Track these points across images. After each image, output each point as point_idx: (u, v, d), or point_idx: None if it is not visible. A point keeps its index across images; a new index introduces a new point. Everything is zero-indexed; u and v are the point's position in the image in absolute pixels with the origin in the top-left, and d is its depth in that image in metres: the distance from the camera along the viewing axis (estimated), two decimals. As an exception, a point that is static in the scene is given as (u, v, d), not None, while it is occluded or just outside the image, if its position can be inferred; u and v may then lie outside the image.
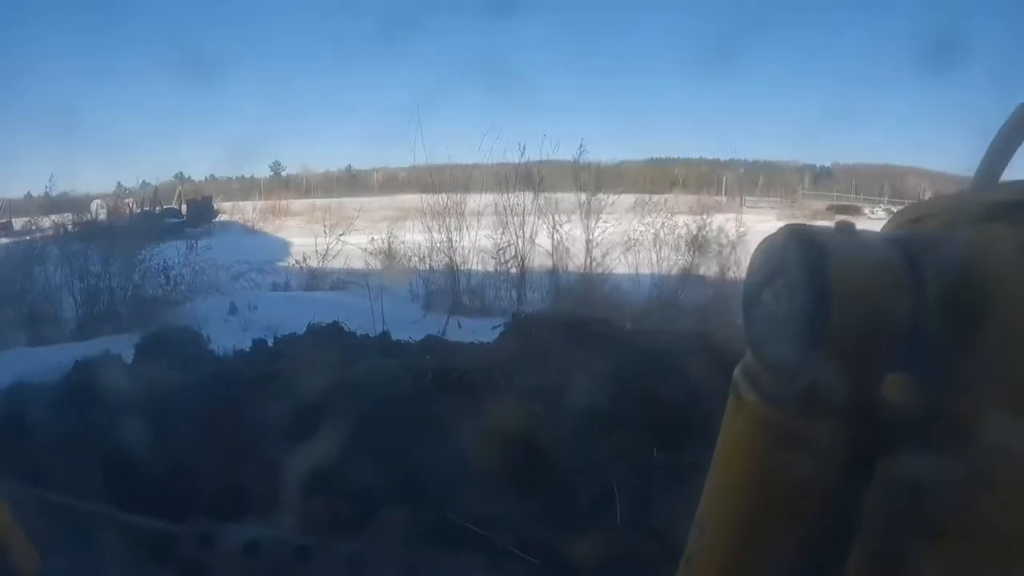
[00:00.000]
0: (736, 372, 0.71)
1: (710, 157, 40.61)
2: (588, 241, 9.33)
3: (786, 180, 40.14)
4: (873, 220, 32.09)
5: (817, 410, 0.62)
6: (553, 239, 9.42)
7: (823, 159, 45.84)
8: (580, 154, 10.75)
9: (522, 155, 10.37)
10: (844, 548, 0.67)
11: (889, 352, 0.60)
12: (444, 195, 10.04)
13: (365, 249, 11.31)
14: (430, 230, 9.91)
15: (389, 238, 11.20)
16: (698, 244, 8.95)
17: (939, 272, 0.59)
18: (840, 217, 0.74)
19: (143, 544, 2.09)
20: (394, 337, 5.76)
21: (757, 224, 24.23)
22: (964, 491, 0.57)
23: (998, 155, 0.81)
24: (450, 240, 9.68)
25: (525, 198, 9.88)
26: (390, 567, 2.08)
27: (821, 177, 43.79)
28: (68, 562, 1.68)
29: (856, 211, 34.42)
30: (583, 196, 10.15)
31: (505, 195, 9.91)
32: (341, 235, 12.50)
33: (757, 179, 38.34)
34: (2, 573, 1.41)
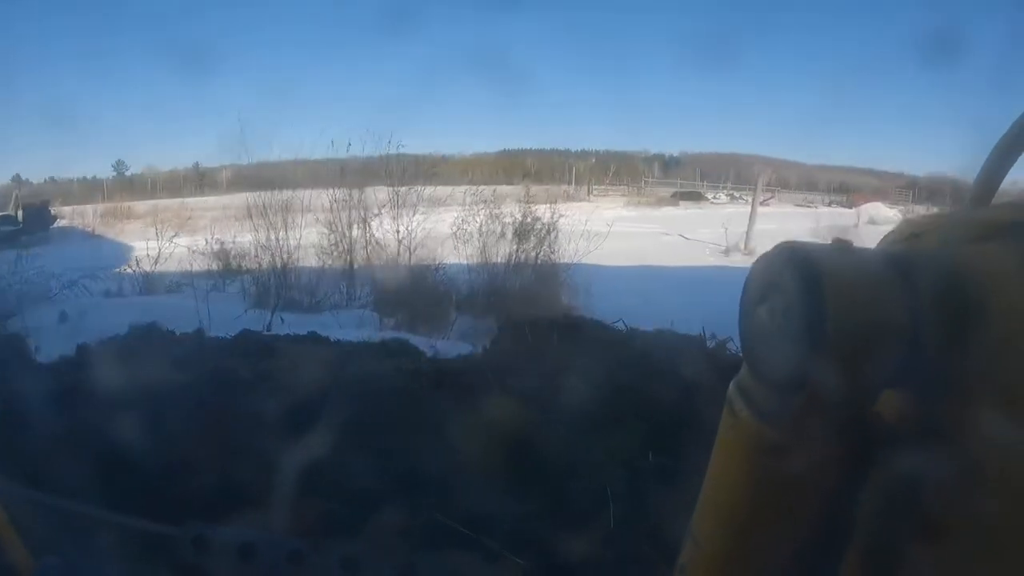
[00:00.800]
0: (731, 388, 0.70)
1: (562, 148, 42.92)
2: (399, 233, 9.51)
3: (636, 169, 42.66)
4: (716, 204, 34.52)
5: (812, 427, 0.62)
6: (392, 233, 9.54)
7: (672, 148, 48.29)
8: (394, 147, 10.78)
9: (348, 149, 10.53)
10: (838, 553, 0.68)
11: (885, 368, 0.60)
12: (273, 192, 9.94)
13: (193, 250, 11.08)
14: (258, 229, 9.81)
15: (221, 239, 11.00)
16: (523, 232, 9.33)
17: (935, 289, 0.59)
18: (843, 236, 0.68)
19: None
20: (213, 334, 5.84)
21: (604, 211, 25.25)
22: (959, 492, 0.58)
23: (994, 171, 0.81)
24: (277, 239, 9.61)
25: (362, 193, 9.92)
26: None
27: (670, 165, 46.00)
28: None
29: (699, 196, 36.63)
30: (421, 189, 10.34)
31: (338, 191, 9.91)
32: (173, 237, 12.20)
33: (608, 168, 40.21)
34: None
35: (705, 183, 42.00)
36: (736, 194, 36.96)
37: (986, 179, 0.81)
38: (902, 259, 0.62)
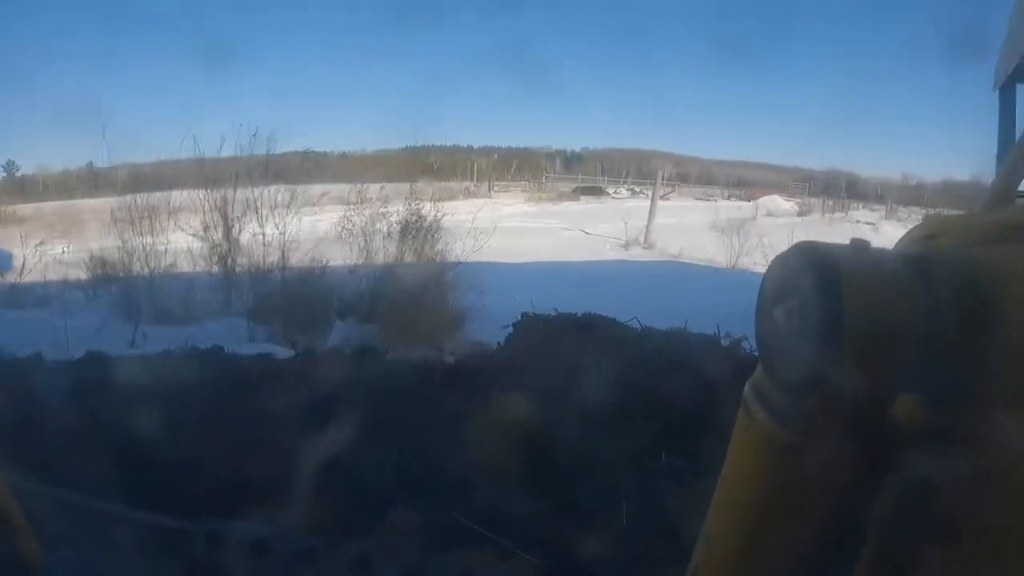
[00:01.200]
0: (746, 389, 0.70)
1: (464, 144, 41.49)
2: (281, 235, 8.93)
3: (539, 165, 42.51)
4: (616, 199, 34.82)
5: (827, 428, 0.62)
6: (273, 235, 8.95)
7: (574, 145, 48.51)
8: (273, 145, 10.08)
9: (242, 146, 9.72)
10: (851, 555, 0.68)
11: (901, 370, 0.60)
12: (143, 195, 9.25)
13: (60, 260, 10.26)
14: (124, 234, 9.09)
15: (92, 246, 10.18)
16: (408, 231, 8.94)
17: (952, 290, 0.59)
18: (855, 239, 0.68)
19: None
20: (60, 357, 5.08)
21: (504, 207, 25.11)
22: (972, 494, 0.58)
23: (1012, 173, 0.80)
24: (143, 245, 8.92)
25: (236, 192, 9.27)
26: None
27: (572, 161, 46.09)
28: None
29: (600, 191, 37.08)
30: (304, 189, 9.81)
31: (215, 190, 9.24)
32: (38, 245, 11.25)
33: (511, 165, 39.97)
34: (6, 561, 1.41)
35: (606, 178, 42.68)
36: (637, 189, 37.31)
37: (1004, 181, 0.80)
38: (920, 260, 0.62)
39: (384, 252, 8.68)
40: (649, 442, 2.78)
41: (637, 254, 16.17)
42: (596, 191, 37.05)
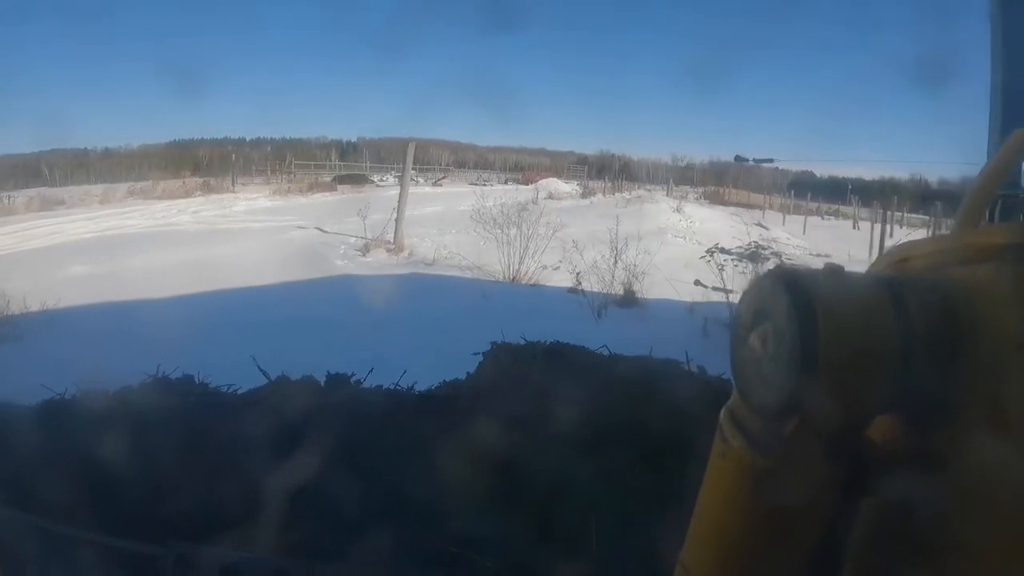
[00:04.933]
0: (722, 415, 0.69)
1: (236, 137, 41.77)
2: None
3: (312, 155, 41.95)
4: (381, 187, 31.53)
5: (804, 453, 0.62)
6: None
7: (350, 135, 48.56)
8: None
9: None
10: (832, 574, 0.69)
11: (877, 393, 0.60)
12: None
13: None
14: None
15: None
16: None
17: (926, 313, 0.60)
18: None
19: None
20: None
21: (238, 203, 20.88)
22: (950, 515, 0.59)
23: (981, 194, 0.80)
24: None
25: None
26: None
27: (347, 151, 46.05)
28: None
29: (363, 179, 33.46)
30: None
31: None
32: None
33: (285, 157, 38.44)
34: None
35: (369, 164, 41.37)
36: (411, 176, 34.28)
37: (973, 202, 0.81)
38: (894, 283, 0.63)
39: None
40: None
41: (376, 262, 11.63)
42: (358, 179, 32.60)
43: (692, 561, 0.73)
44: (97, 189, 27.07)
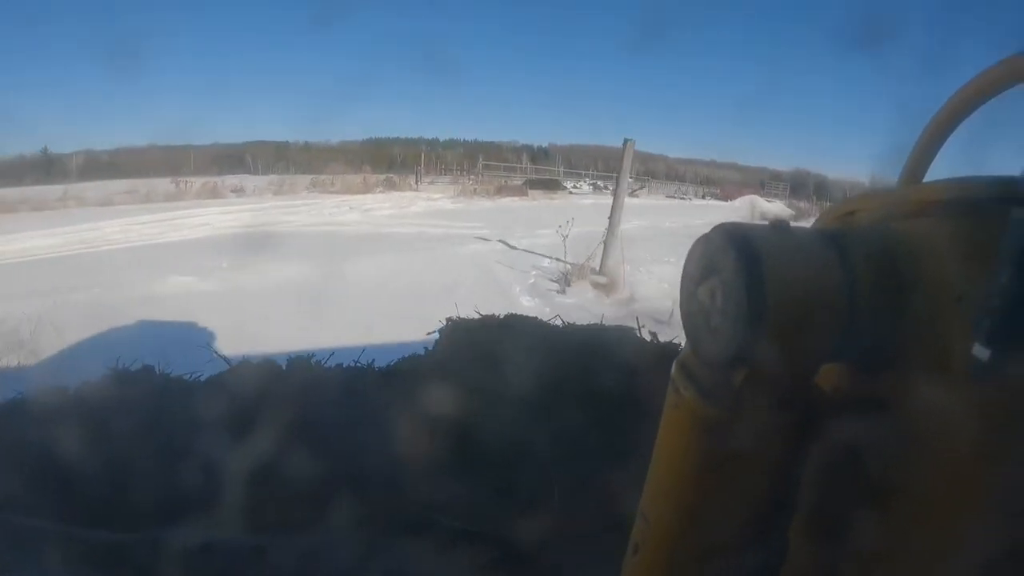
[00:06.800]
0: (674, 367, 0.70)
1: (429, 137, 44.40)
2: None
3: (504, 158, 41.90)
4: (575, 194, 28.26)
5: (754, 402, 0.63)
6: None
7: (540, 140, 50.06)
8: None
9: None
10: (786, 519, 0.69)
11: (824, 343, 0.62)
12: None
13: None
14: None
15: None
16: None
17: (869, 265, 0.62)
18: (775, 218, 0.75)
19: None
20: None
21: (416, 204, 18.71)
22: (897, 458, 0.61)
23: (926, 150, 0.84)
24: None
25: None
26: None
27: (539, 156, 46.61)
28: None
29: (556, 185, 31.01)
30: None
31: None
32: None
33: (477, 158, 38.88)
34: None
35: (562, 169, 40.78)
36: (601, 183, 34.12)
37: (918, 158, 0.85)
38: (838, 237, 0.64)
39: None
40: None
41: (580, 304, 7.94)
42: (551, 185, 29.79)
43: (651, 510, 0.74)
44: (283, 180, 28.44)
